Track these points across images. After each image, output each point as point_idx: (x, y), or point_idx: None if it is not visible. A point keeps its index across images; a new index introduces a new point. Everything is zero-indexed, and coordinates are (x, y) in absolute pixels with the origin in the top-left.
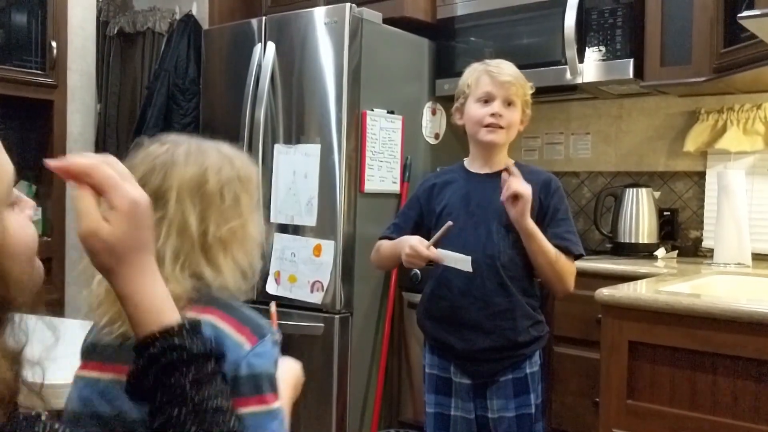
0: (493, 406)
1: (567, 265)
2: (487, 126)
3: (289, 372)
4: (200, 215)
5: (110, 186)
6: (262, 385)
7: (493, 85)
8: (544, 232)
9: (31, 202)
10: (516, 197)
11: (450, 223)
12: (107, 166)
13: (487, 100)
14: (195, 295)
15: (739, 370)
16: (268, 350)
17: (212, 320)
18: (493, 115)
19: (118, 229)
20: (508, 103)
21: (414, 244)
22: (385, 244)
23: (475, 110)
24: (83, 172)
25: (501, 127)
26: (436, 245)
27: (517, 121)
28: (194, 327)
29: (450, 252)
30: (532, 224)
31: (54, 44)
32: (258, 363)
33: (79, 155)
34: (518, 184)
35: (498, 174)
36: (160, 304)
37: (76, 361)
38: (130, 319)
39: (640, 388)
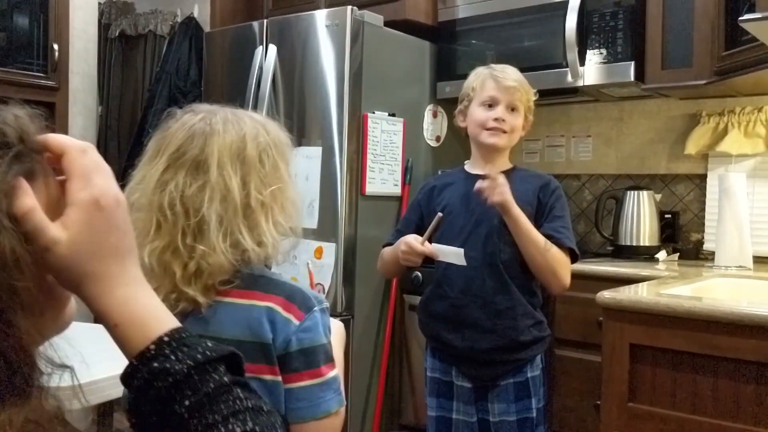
0: (494, 410)
1: (559, 257)
2: (490, 129)
3: (335, 333)
4: (242, 180)
5: (80, 173)
6: (315, 358)
7: (498, 89)
8: (540, 228)
9: None
10: (492, 187)
11: (440, 214)
12: (87, 156)
13: (491, 104)
14: (235, 268)
15: (740, 373)
16: (316, 322)
17: (258, 303)
18: (496, 119)
19: (76, 235)
20: (512, 108)
21: (409, 241)
22: (387, 251)
23: (478, 114)
24: (60, 149)
25: (504, 131)
26: (430, 240)
27: (520, 126)
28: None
29: (443, 246)
30: (516, 209)
31: (56, 47)
32: (307, 337)
33: (63, 136)
34: (490, 176)
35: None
36: (143, 317)
37: (78, 363)
38: (115, 342)
39: (641, 391)
